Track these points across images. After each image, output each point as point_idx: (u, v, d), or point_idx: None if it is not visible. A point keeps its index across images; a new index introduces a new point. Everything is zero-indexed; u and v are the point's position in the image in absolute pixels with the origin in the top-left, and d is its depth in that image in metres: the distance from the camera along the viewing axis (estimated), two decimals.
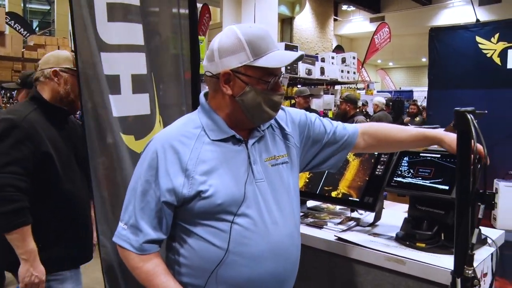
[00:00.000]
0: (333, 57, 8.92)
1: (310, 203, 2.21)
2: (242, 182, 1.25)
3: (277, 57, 1.23)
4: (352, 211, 2.00)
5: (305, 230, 1.82)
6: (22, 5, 16.78)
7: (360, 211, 1.99)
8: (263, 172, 1.30)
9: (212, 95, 1.31)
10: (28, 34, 10.66)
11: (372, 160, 1.89)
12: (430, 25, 13.69)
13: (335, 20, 17.69)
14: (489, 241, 1.65)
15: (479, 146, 1.16)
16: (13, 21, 11.24)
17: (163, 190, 1.22)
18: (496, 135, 3.44)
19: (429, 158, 1.76)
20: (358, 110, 6.39)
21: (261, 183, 1.28)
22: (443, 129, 1.55)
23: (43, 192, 1.83)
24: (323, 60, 8.60)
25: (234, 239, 1.22)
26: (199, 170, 1.22)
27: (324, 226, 1.87)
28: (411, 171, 1.77)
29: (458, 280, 1.12)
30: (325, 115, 7.65)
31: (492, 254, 1.62)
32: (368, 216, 1.96)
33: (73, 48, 1.85)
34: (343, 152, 1.53)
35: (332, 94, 9.01)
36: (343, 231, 1.82)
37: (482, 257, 1.56)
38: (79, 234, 1.96)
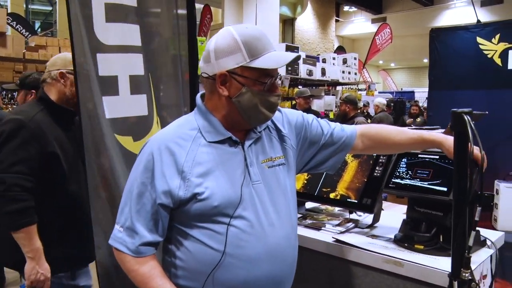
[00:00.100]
0: (334, 58, 8.92)
1: (309, 205, 2.20)
2: (239, 184, 1.24)
3: (274, 57, 1.22)
4: (350, 212, 1.99)
5: (303, 231, 1.82)
6: (24, 6, 16.81)
7: (359, 213, 1.98)
8: (260, 174, 1.29)
9: (209, 96, 1.31)
10: (30, 35, 10.70)
11: (371, 162, 1.88)
12: (432, 26, 13.65)
13: (336, 21, 17.70)
14: (488, 243, 1.64)
15: (476, 149, 1.15)
16: (15, 22, 11.28)
17: (159, 192, 1.22)
18: (497, 136, 3.44)
19: (428, 159, 1.75)
20: (358, 111, 6.37)
21: (258, 185, 1.27)
22: (443, 130, 1.54)
23: (49, 192, 1.85)
24: (324, 61, 8.60)
25: (231, 242, 1.21)
26: (195, 172, 1.21)
27: (322, 228, 1.86)
28: (410, 172, 1.76)
29: (455, 283, 1.11)
30: (326, 116, 7.64)
31: (491, 256, 1.61)
32: (366, 218, 1.95)
33: None
34: (341, 153, 1.52)
35: (333, 95, 9.02)
36: (341, 232, 1.81)
37: (481, 259, 1.55)
38: (83, 234, 1.97)
